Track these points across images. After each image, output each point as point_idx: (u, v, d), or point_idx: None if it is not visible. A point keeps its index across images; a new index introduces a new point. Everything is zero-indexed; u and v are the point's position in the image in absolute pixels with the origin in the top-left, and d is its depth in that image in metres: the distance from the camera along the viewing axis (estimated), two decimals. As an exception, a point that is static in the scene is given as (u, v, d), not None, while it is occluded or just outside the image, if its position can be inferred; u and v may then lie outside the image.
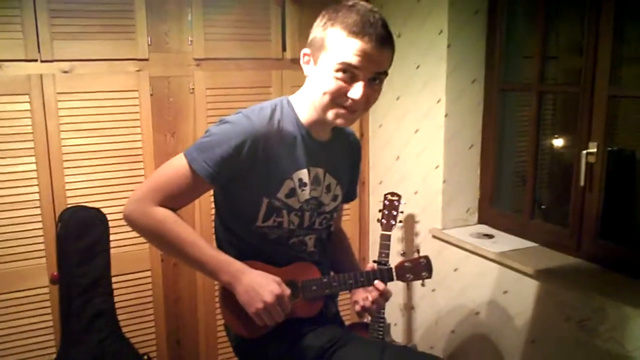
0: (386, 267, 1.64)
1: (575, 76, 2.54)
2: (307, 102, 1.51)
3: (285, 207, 1.53)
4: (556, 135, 2.68)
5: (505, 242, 2.42)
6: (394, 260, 2.73)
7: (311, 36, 1.46)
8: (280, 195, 1.52)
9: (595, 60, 2.10)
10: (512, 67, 2.60)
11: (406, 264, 1.63)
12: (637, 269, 2.00)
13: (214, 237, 1.68)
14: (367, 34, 1.37)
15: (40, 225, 2.37)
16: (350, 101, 1.43)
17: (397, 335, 2.92)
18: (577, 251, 2.21)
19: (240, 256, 1.52)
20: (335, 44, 1.39)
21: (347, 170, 1.71)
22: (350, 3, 1.42)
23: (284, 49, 2.74)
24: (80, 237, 2.35)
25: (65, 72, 2.33)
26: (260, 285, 1.44)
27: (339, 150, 1.52)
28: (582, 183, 2.14)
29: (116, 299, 2.47)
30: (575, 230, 2.21)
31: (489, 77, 2.57)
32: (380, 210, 2.55)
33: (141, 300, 2.60)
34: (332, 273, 1.69)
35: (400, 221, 2.54)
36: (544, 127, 2.50)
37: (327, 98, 1.44)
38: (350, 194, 1.77)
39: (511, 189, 2.71)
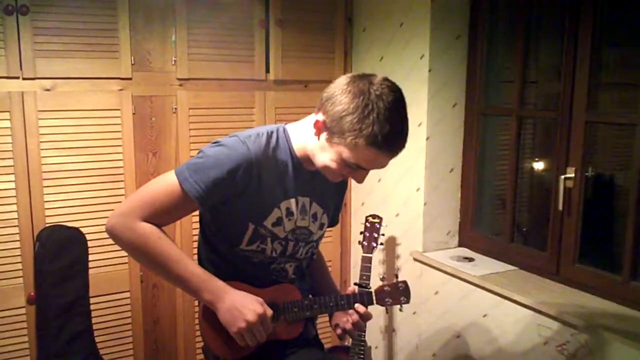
0: (366, 290, 1.65)
1: (554, 100, 2.60)
2: (303, 141, 1.51)
3: (270, 234, 1.54)
4: (536, 159, 2.71)
5: (486, 265, 2.43)
6: (375, 283, 2.73)
7: (332, 108, 1.38)
8: (266, 223, 1.53)
9: (573, 86, 2.14)
10: (492, 92, 2.64)
11: (385, 288, 1.64)
12: (615, 293, 2.02)
13: (195, 254, 1.68)
14: (392, 149, 1.39)
15: (17, 244, 2.33)
16: (348, 178, 1.49)
17: (378, 358, 2.91)
18: (556, 275, 2.23)
19: (222, 276, 1.51)
20: (356, 148, 1.37)
21: (334, 198, 1.73)
22: (388, 100, 1.34)
23: (267, 70, 2.75)
24: (58, 256, 2.32)
25: (47, 89, 2.32)
26: (243, 305, 1.44)
27: (326, 179, 1.53)
28: (560, 207, 2.17)
29: (94, 320, 2.44)
30: (554, 254, 2.23)
31: (470, 101, 2.61)
32: (361, 233, 2.55)
33: (120, 321, 2.56)
34: (310, 296, 1.69)
35: (382, 243, 2.54)
36: (523, 151, 2.53)
37: (326, 170, 1.46)
38: (333, 220, 1.77)
39: (491, 212, 2.73)
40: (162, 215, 1.46)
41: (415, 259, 2.66)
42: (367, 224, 2.54)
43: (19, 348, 2.38)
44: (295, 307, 1.57)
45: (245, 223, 1.51)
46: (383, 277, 1.65)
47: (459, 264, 2.47)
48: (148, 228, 1.43)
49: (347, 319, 1.62)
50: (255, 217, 1.51)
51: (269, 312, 1.47)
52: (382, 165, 1.43)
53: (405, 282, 1.66)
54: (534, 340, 2.09)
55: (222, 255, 1.58)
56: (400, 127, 1.38)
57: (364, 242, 2.52)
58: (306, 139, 1.50)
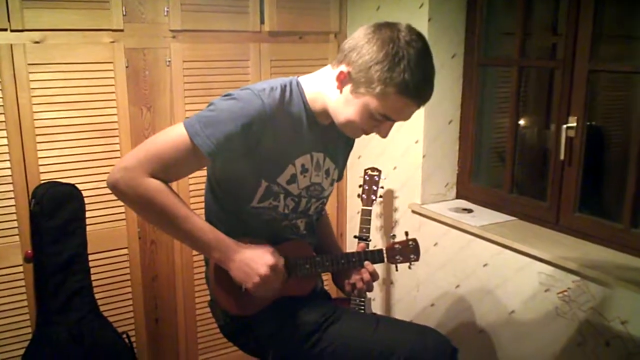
0: (376, 248, 1.65)
1: (547, 53, 2.59)
2: (319, 94, 1.46)
3: (283, 191, 1.51)
4: (535, 111, 2.71)
5: (485, 216, 2.45)
6: (373, 235, 2.74)
7: (358, 58, 1.34)
8: (280, 180, 1.49)
9: (576, 35, 2.12)
10: (491, 43, 2.60)
11: (396, 246, 1.64)
12: (615, 240, 2.05)
13: (203, 210, 1.65)
14: (422, 97, 1.35)
15: (12, 202, 2.28)
16: (372, 133, 1.44)
17: (376, 309, 2.94)
18: (555, 224, 2.25)
19: (233, 234, 1.49)
20: (386, 97, 1.33)
21: (343, 153, 1.70)
22: (417, 47, 1.31)
23: (262, 21, 2.68)
24: (54, 214, 2.28)
25: (37, 42, 2.24)
26: (254, 260, 1.42)
27: (338, 133, 1.50)
28: (562, 157, 2.17)
29: (93, 277, 2.42)
30: (554, 203, 2.25)
31: (469, 51, 2.58)
32: (360, 186, 2.55)
33: (119, 278, 2.55)
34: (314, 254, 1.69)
35: (380, 196, 2.54)
36: (523, 104, 2.52)
37: (349, 125, 1.42)
38: (340, 176, 1.75)
39: (490, 164, 2.74)
40: (170, 170, 1.40)
41: (413, 211, 2.66)
42: (366, 176, 2.54)
43: (18, 306, 2.36)
44: (307, 263, 1.56)
45: (258, 180, 1.47)
46: (393, 235, 1.65)
47: (458, 215, 2.48)
48: (155, 184, 1.37)
49: (359, 277, 1.62)
50: (268, 174, 1.47)
51: (281, 260, 1.46)
52: (409, 115, 1.39)
53: (415, 240, 1.66)
54: (535, 288, 2.12)
55: (232, 212, 1.55)
56: (430, 75, 1.35)
57: (363, 195, 2.52)
58: (322, 92, 1.45)
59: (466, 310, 2.46)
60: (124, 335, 2.48)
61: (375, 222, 2.85)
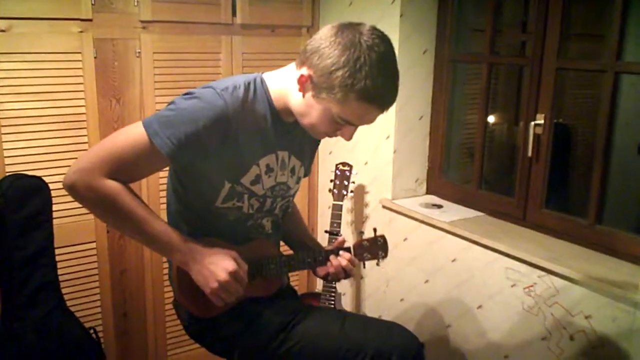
0: (345, 246, 1.65)
1: (518, 50, 2.62)
2: (283, 92, 1.43)
3: (247, 192, 1.49)
4: (504, 108, 2.75)
5: (454, 211, 2.47)
6: (344, 230, 2.75)
7: (319, 62, 1.30)
8: (244, 181, 1.47)
9: (545, 33, 2.15)
10: (462, 40, 2.63)
11: (364, 242, 1.64)
12: (580, 236, 2.09)
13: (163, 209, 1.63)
14: (384, 103, 1.32)
15: (-24, 194, 2.23)
16: (335, 136, 1.42)
17: (346, 304, 2.95)
18: (523, 220, 2.28)
19: (196, 233, 1.46)
20: (347, 103, 1.30)
21: (310, 150, 1.68)
22: (379, 51, 1.27)
23: (234, 13, 2.66)
24: (20, 207, 2.23)
25: (3, 30, 2.18)
26: (214, 263, 1.38)
27: (303, 131, 1.47)
28: (529, 154, 2.21)
29: (60, 271, 2.37)
30: (521, 199, 2.29)
31: (440, 47, 2.60)
32: (331, 180, 2.55)
33: (86, 272, 2.51)
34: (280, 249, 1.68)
35: (352, 191, 2.55)
36: (492, 101, 2.55)
37: (312, 128, 1.40)
38: (307, 172, 1.73)
39: (459, 160, 2.77)
40: (130, 171, 1.36)
41: (384, 207, 2.68)
42: (337, 171, 2.55)
43: (-18, 301, 2.31)
44: (272, 263, 1.54)
45: (221, 181, 1.44)
46: (362, 232, 1.64)
47: (427, 210, 2.50)
48: (114, 186, 1.32)
49: (337, 263, 1.59)
50: (231, 175, 1.44)
51: (243, 266, 1.43)
52: (372, 120, 1.36)
53: (383, 237, 1.66)
54: (502, 283, 2.15)
55: (194, 212, 1.52)
56: (392, 80, 1.32)
57: (335, 190, 2.53)
58: (287, 90, 1.42)
59: (435, 305, 2.49)
60: (91, 331, 2.44)
61: (346, 217, 2.86)
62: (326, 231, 2.51)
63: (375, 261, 1.67)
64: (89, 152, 1.35)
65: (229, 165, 1.42)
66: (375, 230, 1.68)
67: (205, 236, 1.47)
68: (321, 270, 1.64)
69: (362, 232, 1.64)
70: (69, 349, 2.32)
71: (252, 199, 1.51)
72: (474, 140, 2.54)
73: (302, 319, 1.54)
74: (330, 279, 1.63)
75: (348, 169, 2.54)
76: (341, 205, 2.51)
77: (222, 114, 1.33)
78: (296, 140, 1.56)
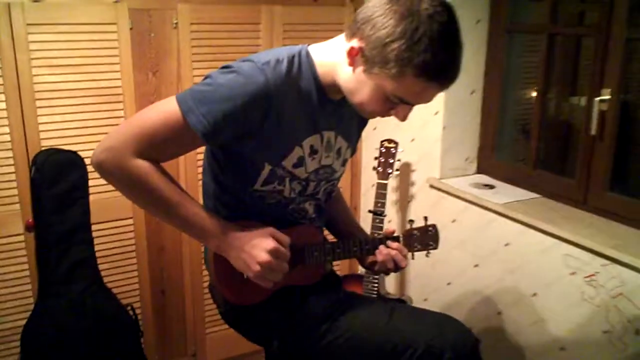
0: (393, 235, 1.52)
1: (574, 21, 2.41)
2: (331, 66, 1.29)
3: (289, 175, 1.37)
4: (562, 83, 2.55)
5: (507, 192, 2.31)
6: (389, 210, 2.63)
7: (372, 32, 1.16)
8: (286, 164, 1.35)
9: (612, 1, 1.95)
10: (517, 9, 2.43)
11: (414, 232, 1.51)
12: (648, 222, 1.92)
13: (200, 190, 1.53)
14: (446, 80, 1.18)
15: (12, 169, 2.19)
16: (387, 116, 1.28)
17: (390, 286, 2.84)
18: (583, 203, 2.11)
19: (233, 216, 1.36)
20: (403, 80, 1.15)
21: (357, 130, 1.55)
22: (441, 21, 1.12)
23: (275, -19, 2.53)
24: (55, 182, 2.19)
25: (36, 1, 2.11)
26: (253, 246, 1.28)
27: (350, 109, 1.34)
28: (592, 132, 2.03)
29: (97, 247, 2.34)
30: (582, 181, 2.11)
31: (495, 17, 2.41)
32: (376, 158, 2.42)
33: (123, 249, 2.46)
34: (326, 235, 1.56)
35: (397, 170, 2.41)
36: (550, 74, 2.36)
37: (361, 106, 1.26)
38: (352, 152, 1.59)
39: (513, 137, 2.59)
40: (160, 150, 1.26)
41: (431, 186, 2.54)
42: (382, 149, 2.42)
43: (20, 276, 2.29)
44: (315, 250, 1.43)
45: (261, 163, 1.33)
46: (411, 220, 1.50)
47: (478, 191, 2.35)
48: (144, 166, 1.23)
49: (386, 252, 1.46)
50: (273, 157, 1.33)
51: (284, 239, 1.32)
52: (429, 99, 1.22)
53: (435, 227, 1.53)
54: (561, 271, 1.99)
55: (232, 194, 1.42)
56: (456, 54, 1.18)
57: (379, 168, 2.40)
58: (335, 65, 1.28)
59: (485, 290, 2.35)
60: (129, 308, 2.40)
61: (391, 196, 2.73)
62: (370, 211, 2.39)
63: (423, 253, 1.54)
64: (118, 129, 1.26)
65: (270, 146, 1.31)
66: (426, 218, 1.54)
67: (243, 219, 1.37)
68: (368, 261, 1.52)
69: (411, 221, 1.51)
70: (105, 326, 2.29)
71: (294, 182, 1.39)
72: (529, 117, 2.36)
73: (347, 309, 1.43)
74: (377, 270, 1.51)
75: (393, 146, 2.40)
76: (386, 184, 2.38)
77: (263, 91, 1.22)
78: (344, 119, 1.42)
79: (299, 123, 1.32)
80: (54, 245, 2.22)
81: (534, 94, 2.35)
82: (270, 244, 1.28)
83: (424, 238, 1.51)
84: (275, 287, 1.35)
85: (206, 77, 1.26)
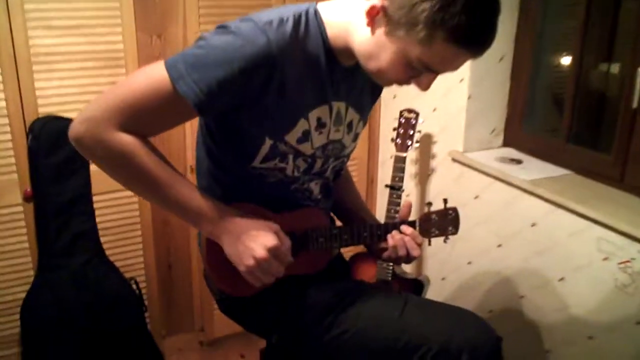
0: (409, 220, 1.36)
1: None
2: (343, 28, 1.14)
3: (293, 151, 1.21)
4: (599, 50, 2.34)
5: (536, 168, 2.14)
6: (407, 184, 2.47)
7: None
8: (289, 138, 1.19)
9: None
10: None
11: (432, 216, 1.35)
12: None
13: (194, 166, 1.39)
14: (480, 47, 1.04)
15: (9, 136, 2.07)
16: (408, 85, 1.13)
17: (406, 265, 2.70)
18: (621, 182, 1.93)
19: (230, 196, 1.22)
20: (431, 45, 1.01)
21: (369, 101, 1.38)
22: None
23: (288, -64, 2.35)
24: (53, 151, 2.07)
25: (30, -44, 1.96)
26: (252, 237, 1.13)
27: (363, 76, 1.19)
28: (634, 105, 1.84)
29: (99, 219, 2.24)
30: (619, 158, 1.92)
31: (528, -25, 2.21)
32: (394, 129, 2.26)
33: (127, 221, 2.35)
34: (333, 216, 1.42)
35: (417, 141, 2.25)
36: (589, 40, 2.16)
37: (378, 73, 1.11)
38: (364, 122, 1.43)
39: (544, 108, 2.40)
40: (147, 123, 1.11)
41: (453, 159, 2.37)
42: (401, 119, 2.25)
43: (19, 248, 2.19)
44: (321, 236, 1.29)
45: (260, 137, 1.18)
46: (429, 203, 1.34)
47: (504, 165, 2.18)
48: (128, 141, 1.08)
49: (399, 238, 1.31)
50: (274, 131, 1.18)
51: (286, 243, 1.18)
52: (458, 66, 1.08)
53: (455, 210, 1.37)
54: (592, 255, 1.83)
55: (227, 171, 1.27)
56: (492, 20, 1.03)
57: (398, 140, 2.24)
58: (348, 26, 1.13)
59: (507, 271, 2.20)
60: (132, 281, 2.31)
61: (410, 170, 2.57)
62: (387, 185, 2.24)
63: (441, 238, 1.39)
64: (100, 98, 1.10)
65: (271, 118, 1.16)
66: (445, 201, 1.39)
67: (242, 202, 1.23)
68: (379, 248, 1.37)
69: (429, 204, 1.35)
70: (107, 299, 2.21)
71: (299, 159, 1.24)
72: (563, 86, 2.17)
73: (354, 301, 1.29)
74: (387, 258, 1.36)
75: (414, 116, 2.23)
76: (404, 157, 2.22)
77: (264, 54, 1.06)
78: (356, 88, 1.27)
79: (304, 92, 1.17)
80: (54, 217, 2.13)
81: (569, 61, 2.16)
82: (271, 240, 1.14)
83: (443, 222, 1.36)
84: (276, 278, 1.21)
85: (199, 38, 1.11)
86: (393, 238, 1.30)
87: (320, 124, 1.22)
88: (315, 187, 1.34)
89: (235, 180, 1.27)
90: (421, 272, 2.65)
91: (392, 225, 1.32)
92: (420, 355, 1.22)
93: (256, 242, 1.13)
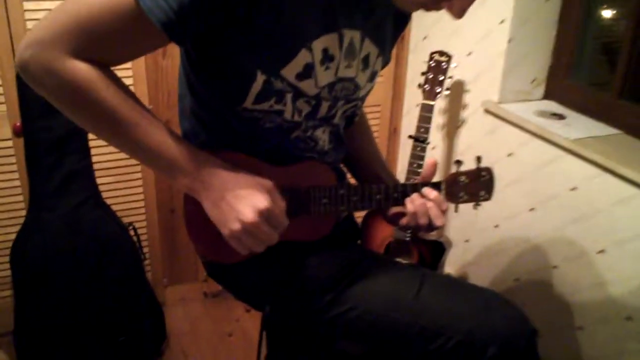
0: (433, 181, 1.14)
1: None
2: None
3: (292, 89, 0.98)
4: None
5: (581, 125, 1.89)
6: (433, 136, 2.24)
7: None
8: (286, 73, 0.96)
9: None
10: None
11: (462, 178, 1.11)
12: None
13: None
14: None
15: (-5, 64, 1.89)
16: (439, 9, 0.91)
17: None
18: (680, 145, 1.69)
19: (215, 143, 1.01)
20: None
21: (392, 33, 1.13)
22: None
23: None
24: (43, 81, 1.88)
25: None
26: (239, 196, 0.91)
27: (385, 1, 0.96)
28: None
29: (95, 158, 2.06)
30: (681, 117, 1.67)
31: None
32: (423, 73, 2.02)
33: (127, 161, 2.17)
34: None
35: (448, 89, 2.01)
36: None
37: None
38: (385, 61, 1.19)
39: (594, 59, 2.12)
40: (107, 49, 0.88)
41: (487, 111, 2.12)
42: (431, 62, 2.01)
43: (10, 186, 2.05)
44: (324, 197, 1.06)
45: (251, 71, 0.95)
46: (459, 161, 1.10)
47: (545, 121, 1.93)
48: (85, 71, 0.86)
49: (419, 204, 1.08)
50: (267, 63, 0.95)
51: (281, 205, 0.96)
52: None
53: (490, 172, 1.13)
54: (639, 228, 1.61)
55: (213, 112, 1.05)
56: None
57: (426, 86, 2.00)
58: None
59: (539, 238, 1.98)
60: (130, 227, 2.15)
61: (437, 121, 2.34)
62: (410, 136, 2.02)
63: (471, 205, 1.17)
64: (48, 16, 0.87)
65: (263, 46, 0.92)
66: (479, 159, 1.15)
67: (230, 151, 1.01)
68: (395, 214, 1.16)
69: (458, 162, 1.12)
70: (101, 244, 2.05)
71: (300, 100, 1.01)
72: (617, 34, 1.90)
73: (362, 275, 1.09)
74: (405, 225, 1.14)
75: (446, 59, 1.98)
76: (432, 106, 1.99)
77: None
78: (374, 16, 1.03)
79: (307, 14, 0.93)
80: (45, 154, 1.95)
81: (627, 6, 1.87)
82: (263, 201, 0.92)
83: (474, 186, 1.13)
84: (269, 245, 0.99)
85: None
86: (413, 203, 1.08)
87: (327, 57, 0.99)
88: (322, 135, 1.11)
89: (222, 124, 1.05)
90: (442, 234, 2.44)
91: (412, 187, 1.10)
92: (437, 346, 1.03)
93: (244, 202, 0.91)
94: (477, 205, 1.16)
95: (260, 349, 1.87)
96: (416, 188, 1.09)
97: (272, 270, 1.11)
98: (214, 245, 1.02)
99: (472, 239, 2.30)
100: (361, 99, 1.13)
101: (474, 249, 2.30)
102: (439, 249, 2.06)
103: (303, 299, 1.10)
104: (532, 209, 1.99)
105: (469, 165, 1.16)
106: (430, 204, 1.07)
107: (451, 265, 2.39)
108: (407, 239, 2.05)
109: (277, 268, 1.11)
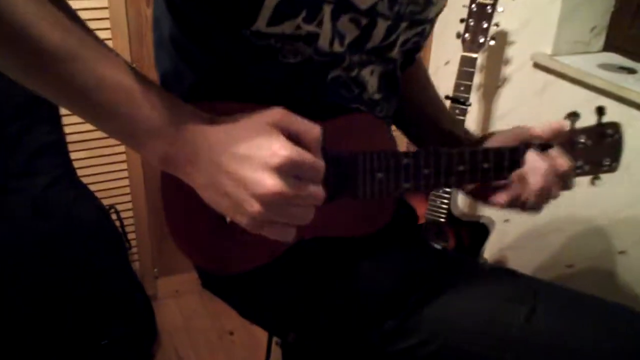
0: (539, 142, 0.77)
1: None
2: None
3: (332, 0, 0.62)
4: None
5: (657, 80, 1.57)
6: (473, 97, 1.91)
7: None
8: None
9: None
10: None
11: (580, 138, 0.77)
12: None
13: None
14: None
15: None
16: None
17: (465, 201, 2.17)
18: None
19: (207, 91, 0.67)
20: None
21: None
22: None
23: None
24: None
25: None
26: (243, 158, 0.54)
27: None
28: None
29: (69, 129, 1.75)
30: None
31: None
32: (462, 20, 1.68)
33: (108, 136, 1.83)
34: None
35: (493, 38, 1.67)
36: None
37: None
38: None
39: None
40: None
41: (537, 65, 1.78)
42: (473, 6, 1.67)
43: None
44: (380, 170, 0.68)
45: None
46: (575, 113, 0.73)
47: (612, 75, 1.60)
48: None
49: (552, 166, 0.74)
50: None
51: (315, 150, 0.58)
52: None
53: (617, 129, 0.78)
54: None
55: (209, 41, 0.68)
56: None
57: (466, 35, 1.67)
58: None
59: (601, 218, 1.67)
60: (112, 210, 1.83)
61: (475, 78, 1.99)
62: (447, 96, 1.68)
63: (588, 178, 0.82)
64: None
65: None
66: (601, 111, 0.80)
67: (228, 101, 0.66)
68: (498, 189, 0.76)
69: (574, 114, 0.75)
70: (76, 230, 1.73)
71: (344, 17, 0.65)
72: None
73: (439, 289, 0.74)
74: (509, 202, 0.77)
75: (491, 3, 1.64)
76: (474, 59, 1.66)
77: None
78: None
79: None
80: (11, 120, 1.66)
81: None
82: (280, 150, 0.54)
83: (597, 150, 0.78)
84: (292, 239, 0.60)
85: None
86: (539, 173, 0.73)
87: None
88: (371, 78, 0.75)
89: (219, 61, 0.68)
90: (475, 212, 2.12)
91: (511, 151, 0.74)
92: None
93: (253, 163, 0.54)
94: (595, 179, 0.82)
95: (270, 354, 1.57)
96: (513, 155, 0.74)
97: (300, 282, 0.75)
98: (213, 247, 0.67)
99: (513, 218, 1.98)
100: (430, 21, 0.77)
101: (515, 230, 1.99)
102: (481, 232, 1.74)
103: (348, 327, 0.75)
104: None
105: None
106: (565, 166, 0.72)
107: (486, 250, 2.08)
108: (442, 219, 1.73)
109: (307, 279, 0.75)
